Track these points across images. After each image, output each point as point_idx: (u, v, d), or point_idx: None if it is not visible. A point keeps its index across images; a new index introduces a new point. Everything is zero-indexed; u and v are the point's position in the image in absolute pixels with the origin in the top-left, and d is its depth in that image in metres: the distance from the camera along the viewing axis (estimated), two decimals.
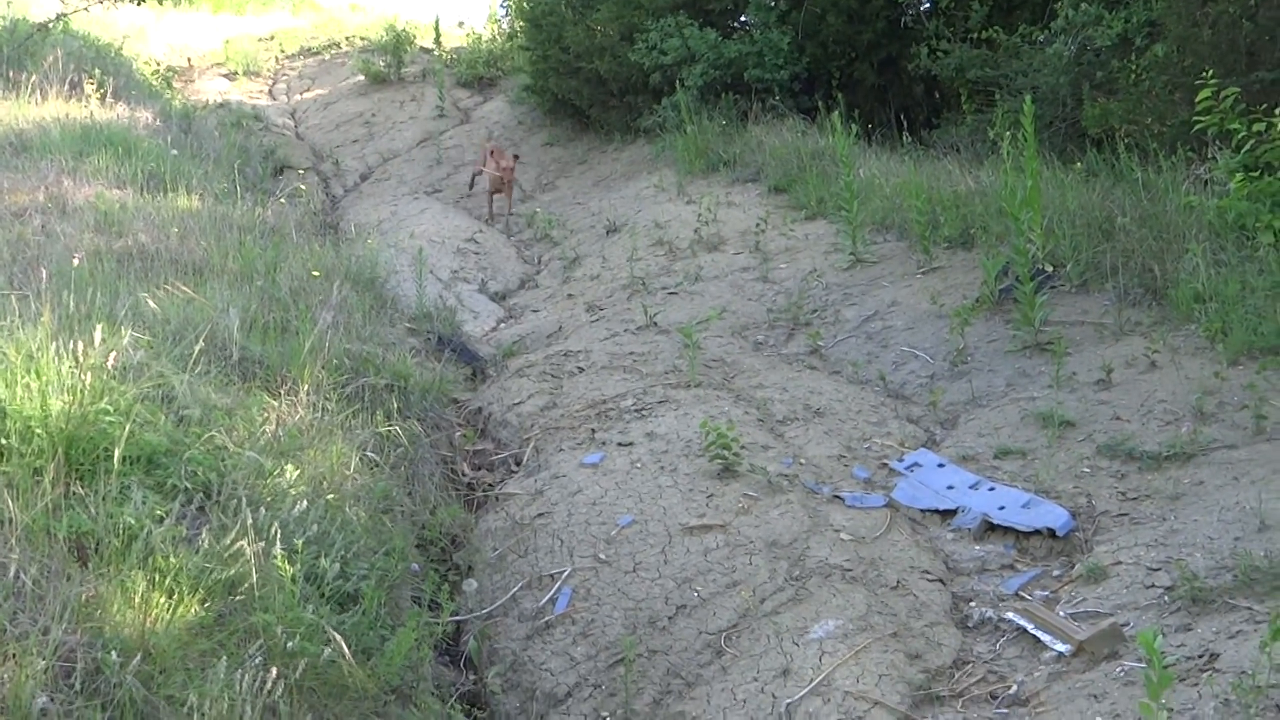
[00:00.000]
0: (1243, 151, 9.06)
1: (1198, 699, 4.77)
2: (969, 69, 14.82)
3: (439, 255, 13.89)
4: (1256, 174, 8.87)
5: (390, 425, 7.25)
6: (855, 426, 7.99)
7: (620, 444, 7.71)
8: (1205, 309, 8.46)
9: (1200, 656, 5.09)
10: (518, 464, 8.00)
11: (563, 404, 8.67)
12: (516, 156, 16.02)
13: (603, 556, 6.52)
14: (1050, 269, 9.65)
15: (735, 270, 11.92)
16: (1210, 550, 5.84)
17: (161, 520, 5.07)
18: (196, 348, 6.49)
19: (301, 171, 18.23)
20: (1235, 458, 6.74)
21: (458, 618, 6.40)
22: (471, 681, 6.04)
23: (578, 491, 7.17)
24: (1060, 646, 5.45)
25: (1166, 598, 5.59)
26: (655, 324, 10.38)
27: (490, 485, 7.78)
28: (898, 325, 9.78)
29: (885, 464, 7.42)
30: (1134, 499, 6.57)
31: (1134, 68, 12.03)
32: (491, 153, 15.92)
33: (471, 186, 16.95)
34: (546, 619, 6.22)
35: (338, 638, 4.83)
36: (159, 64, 23.29)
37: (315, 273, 9.33)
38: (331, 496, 5.96)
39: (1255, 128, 8.95)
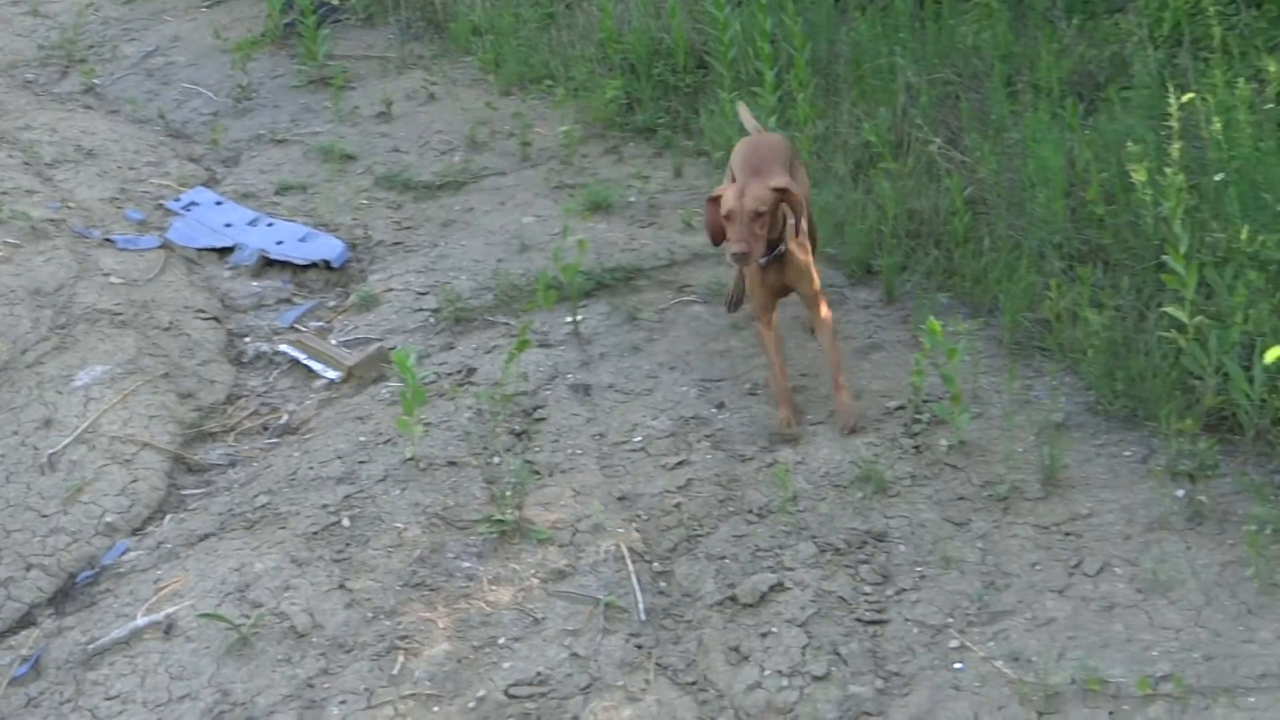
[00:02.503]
0: None
1: (454, 411, 5.00)
2: None
3: None
4: None
5: None
6: (131, 167, 7.61)
7: None
8: (482, 41, 8.67)
9: (460, 372, 5.34)
10: None
11: None
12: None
13: None
14: (336, 2, 9.52)
15: (3, 4, 10.93)
16: (475, 272, 6.09)
17: None
18: None
19: None
20: (503, 184, 7.03)
21: None
22: None
23: None
24: (331, 374, 5.54)
25: (433, 320, 5.80)
26: None
27: None
28: (180, 61, 9.38)
29: (162, 204, 7.15)
30: (408, 228, 6.71)
31: None
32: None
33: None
34: None
35: None
36: None
37: None
38: None
39: None
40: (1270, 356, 3.97)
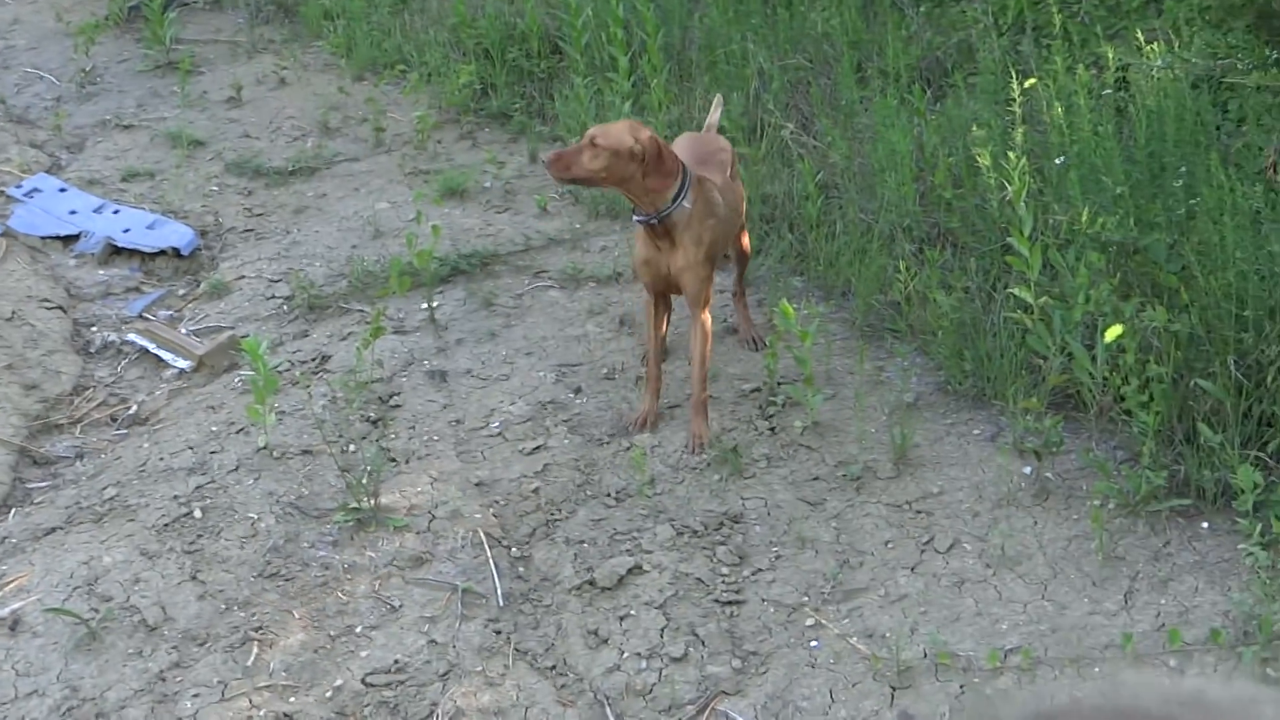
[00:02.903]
0: None
1: (308, 399, 4.94)
2: None
3: None
4: None
5: None
6: None
7: None
8: (334, 25, 8.57)
9: (314, 360, 5.28)
10: None
11: None
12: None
13: None
14: None
15: None
16: (329, 259, 6.02)
17: None
18: None
19: None
20: (356, 169, 6.96)
21: None
22: None
23: None
24: (181, 363, 5.43)
25: (286, 307, 5.72)
26: None
27: None
28: (20, 45, 9.12)
29: (2, 191, 6.94)
30: (260, 214, 6.61)
31: None
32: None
33: None
34: None
35: None
36: None
37: None
38: None
39: None
40: (1111, 335, 4.09)
